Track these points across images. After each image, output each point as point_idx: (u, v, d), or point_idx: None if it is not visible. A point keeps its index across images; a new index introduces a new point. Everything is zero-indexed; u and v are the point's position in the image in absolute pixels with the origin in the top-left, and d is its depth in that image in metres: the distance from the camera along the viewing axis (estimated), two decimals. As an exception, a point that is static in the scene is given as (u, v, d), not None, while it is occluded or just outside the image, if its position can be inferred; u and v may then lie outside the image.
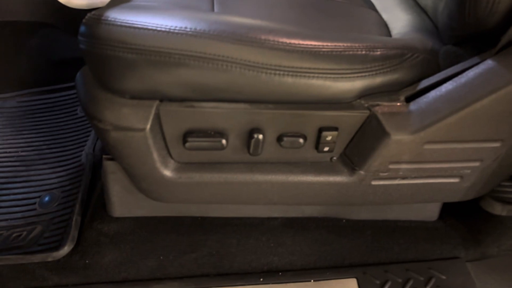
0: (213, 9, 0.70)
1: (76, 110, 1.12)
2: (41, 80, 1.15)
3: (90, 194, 0.87)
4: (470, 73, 0.61)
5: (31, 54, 1.15)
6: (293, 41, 0.61)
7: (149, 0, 0.68)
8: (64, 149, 1.01)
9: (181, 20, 0.60)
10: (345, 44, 0.63)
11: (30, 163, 0.96)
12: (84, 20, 0.62)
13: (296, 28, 0.66)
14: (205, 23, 0.60)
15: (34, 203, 0.87)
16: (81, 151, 0.99)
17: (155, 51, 0.57)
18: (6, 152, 1.00)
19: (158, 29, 0.58)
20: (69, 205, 0.85)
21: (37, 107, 1.13)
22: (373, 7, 0.87)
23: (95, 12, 0.62)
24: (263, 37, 0.60)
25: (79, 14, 1.15)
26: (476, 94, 0.59)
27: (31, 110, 1.12)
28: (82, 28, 0.61)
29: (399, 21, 0.81)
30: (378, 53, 0.63)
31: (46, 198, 0.88)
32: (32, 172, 0.94)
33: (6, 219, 0.84)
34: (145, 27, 0.57)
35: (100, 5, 1.16)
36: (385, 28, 0.79)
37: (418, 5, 0.85)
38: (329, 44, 0.62)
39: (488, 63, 0.60)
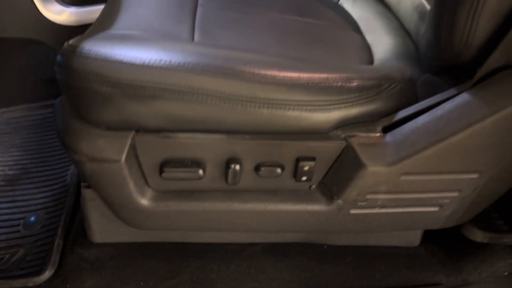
0: (193, 36, 0.70)
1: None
2: (30, 96, 1.16)
3: (73, 216, 0.87)
4: (447, 106, 0.60)
5: (20, 70, 1.15)
6: (269, 72, 0.61)
7: (129, 28, 0.68)
8: (50, 167, 1.01)
9: (157, 52, 0.60)
10: (321, 76, 0.63)
11: (16, 182, 0.97)
12: (60, 51, 0.62)
13: (273, 58, 0.66)
14: (181, 54, 0.60)
15: (18, 225, 0.87)
16: (67, 170, 0.99)
17: (130, 84, 0.57)
18: (-7, 170, 1.01)
19: (133, 62, 0.58)
20: (52, 227, 0.85)
21: (25, 124, 1.13)
22: (357, 29, 0.87)
23: (72, 42, 0.62)
24: (239, 68, 0.60)
25: (69, 31, 1.15)
26: (452, 127, 0.59)
27: (20, 126, 1.12)
28: (59, 58, 0.62)
29: (382, 45, 0.81)
30: (355, 84, 0.62)
31: (30, 220, 0.88)
32: (18, 192, 0.94)
33: (-10, 241, 0.85)
34: (119, 60, 0.57)
35: (89, 22, 1.17)
36: (368, 52, 0.79)
37: (403, 27, 0.85)
38: (305, 75, 0.62)
39: (464, 97, 0.60)
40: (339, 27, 0.86)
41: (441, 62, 0.63)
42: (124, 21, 0.69)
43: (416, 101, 0.65)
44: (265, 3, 0.87)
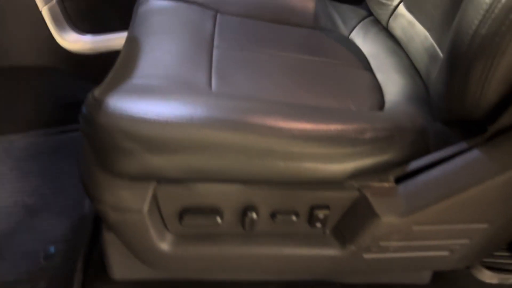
0: (210, 81, 0.72)
1: (81, 153, 1.15)
2: (47, 121, 1.18)
3: (92, 248, 0.89)
4: (459, 161, 0.62)
5: (37, 96, 1.18)
6: (285, 125, 0.63)
7: (149, 76, 0.70)
8: (68, 196, 1.03)
9: (178, 107, 0.62)
10: (336, 127, 0.65)
11: (35, 212, 0.99)
12: (85, 103, 0.64)
13: (289, 107, 0.68)
14: (201, 109, 0.62)
15: (39, 256, 0.90)
16: (84, 198, 1.02)
17: (153, 140, 0.60)
18: (12, 197, 1.03)
19: (156, 119, 0.60)
20: (71, 260, 0.88)
21: (42, 149, 1.16)
22: (368, 67, 0.89)
23: (97, 95, 0.64)
24: (256, 122, 0.62)
25: (84, 58, 1.18)
26: (464, 183, 0.61)
27: (37, 152, 1.15)
28: (83, 110, 0.64)
29: (393, 85, 0.83)
30: (368, 136, 0.64)
31: (50, 251, 0.90)
32: (37, 222, 0.97)
33: (12, 273, 0.87)
34: (143, 117, 0.60)
35: (103, 50, 1.19)
36: (379, 93, 0.81)
37: (413, 66, 0.86)
38: (320, 127, 0.64)
39: (476, 153, 0.62)
40: (351, 64, 0.88)
41: (452, 116, 0.65)
42: (144, 69, 0.71)
43: (427, 150, 0.67)
44: (278, 42, 0.89)
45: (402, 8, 0.92)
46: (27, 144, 1.16)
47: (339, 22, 1.00)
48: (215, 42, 0.84)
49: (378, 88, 0.82)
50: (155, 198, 0.64)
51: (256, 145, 0.62)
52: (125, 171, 0.63)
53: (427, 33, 0.82)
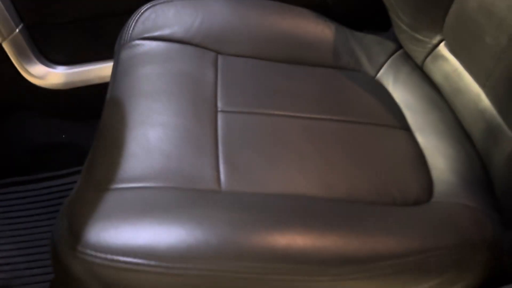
0: (218, 173, 0.56)
1: (58, 208, 0.98)
2: (16, 169, 1.01)
3: None
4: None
5: (4, 139, 1.00)
6: (312, 246, 0.49)
7: (139, 176, 0.53)
8: (44, 265, 0.88)
9: (181, 237, 0.46)
10: (383, 247, 0.50)
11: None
12: (53, 230, 0.48)
13: (316, 213, 0.53)
14: (213, 241, 0.46)
15: None
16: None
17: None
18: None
19: (153, 266, 0.44)
20: None
21: (12, 202, 0.99)
22: (405, 125, 0.73)
23: (74, 229, 0.46)
24: (278, 245, 0.48)
25: (56, 93, 0.99)
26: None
27: (5, 206, 0.98)
28: (54, 247, 0.47)
29: (439, 156, 0.67)
30: (432, 266, 0.49)
31: None
32: (9, 306, 0.82)
33: None
34: (134, 264, 0.44)
35: (79, 85, 1.01)
36: (425, 170, 0.65)
37: (462, 129, 0.70)
38: (362, 249, 0.49)
39: None
40: (385, 123, 0.71)
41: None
42: (133, 163, 0.55)
43: (501, 270, 0.53)
44: (294, 94, 0.72)
45: (444, 49, 0.75)
46: (-6, 196, 0.99)
47: (363, 59, 0.83)
48: (219, 104, 0.67)
49: (423, 162, 0.66)
50: None
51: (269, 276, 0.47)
52: None
53: (481, 92, 0.66)
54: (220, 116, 0.65)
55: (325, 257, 0.49)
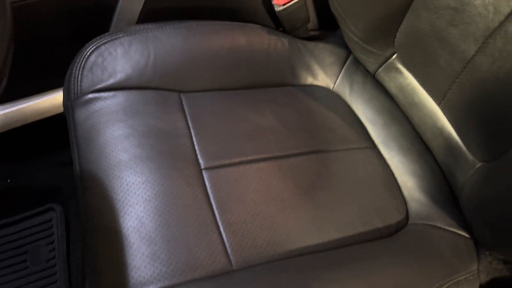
0: (225, 248, 0.58)
1: (26, 261, 0.92)
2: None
3: None
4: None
5: None
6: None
7: (160, 278, 0.52)
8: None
9: None
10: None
11: None
12: None
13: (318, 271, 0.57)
14: None
15: None
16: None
17: None
18: None
19: None
20: None
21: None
22: (371, 143, 0.77)
23: None
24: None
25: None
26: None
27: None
28: None
29: (406, 173, 0.73)
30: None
31: None
32: None
33: None
34: None
35: (17, 125, 0.91)
36: (394, 186, 0.71)
37: (422, 142, 0.75)
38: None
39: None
40: (352, 146, 0.75)
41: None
42: (147, 266, 0.53)
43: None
44: (263, 130, 0.72)
45: (397, 62, 0.78)
46: None
47: (319, 71, 0.84)
48: (201, 160, 0.66)
49: (393, 182, 0.72)
50: None
51: None
52: None
53: (438, 109, 0.71)
54: (205, 175, 0.64)
55: None
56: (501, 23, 0.56)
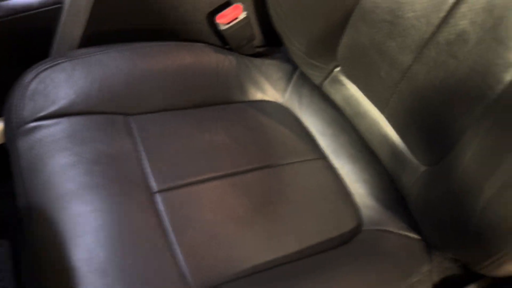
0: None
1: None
2: None
3: None
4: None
5: None
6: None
7: None
8: None
9: None
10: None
11: None
12: None
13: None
14: None
15: None
16: None
17: None
18: None
19: None
20: None
21: None
22: (321, 153, 0.79)
23: None
24: None
25: None
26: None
27: None
28: None
29: (357, 181, 0.75)
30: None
31: None
32: None
33: None
34: None
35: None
36: (346, 195, 0.73)
37: (370, 149, 0.78)
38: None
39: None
40: (302, 158, 0.76)
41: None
42: None
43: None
44: (214, 148, 0.72)
45: (340, 74, 0.81)
46: None
47: (267, 86, 0.85)
48: (153, 183, 0.64)
49: (345, 191, 0.73)
50: None
51: None
52: None
53: (382, 117, 0.74)
54: (158, 198, 0.63)
55: None
56: (433, 34, 0.59)
